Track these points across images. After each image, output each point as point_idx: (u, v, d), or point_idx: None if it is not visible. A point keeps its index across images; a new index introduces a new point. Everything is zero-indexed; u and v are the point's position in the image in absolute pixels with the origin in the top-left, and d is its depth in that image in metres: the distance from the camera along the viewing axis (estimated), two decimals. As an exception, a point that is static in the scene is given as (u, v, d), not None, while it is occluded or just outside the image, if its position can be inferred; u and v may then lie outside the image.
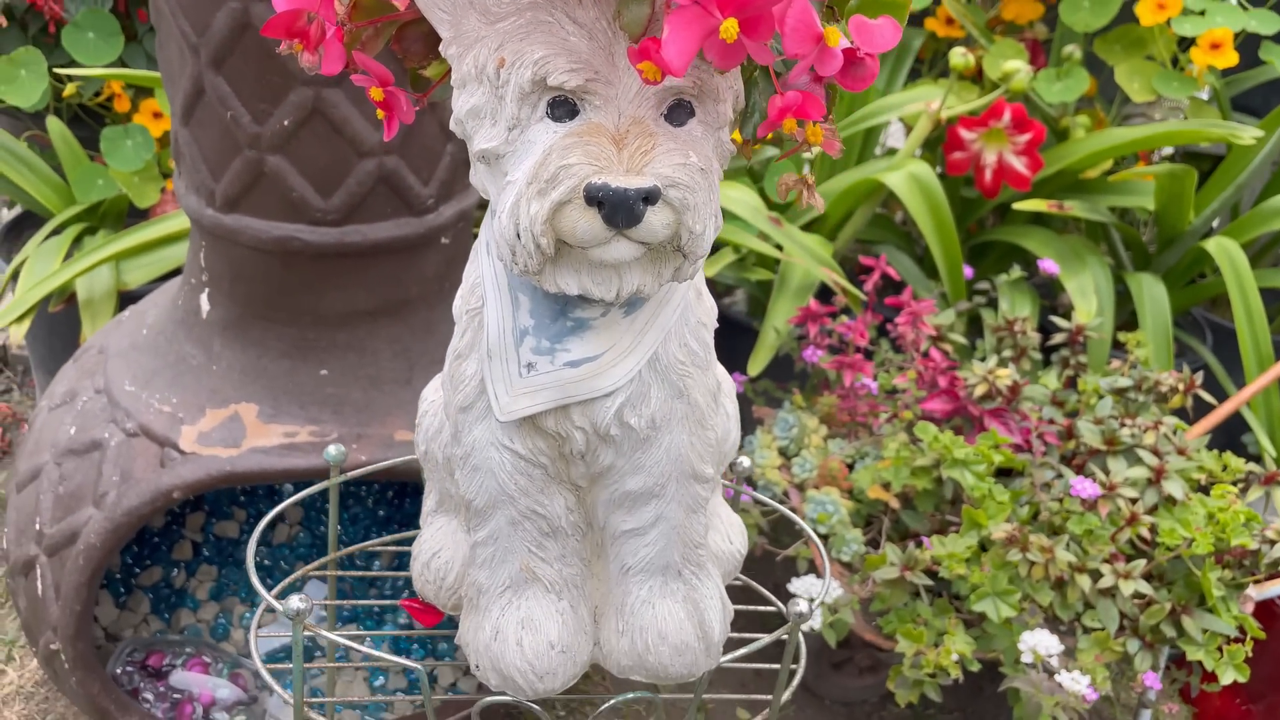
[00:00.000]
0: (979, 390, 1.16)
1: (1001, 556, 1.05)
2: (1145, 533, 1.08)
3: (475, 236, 0.58)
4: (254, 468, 0.94)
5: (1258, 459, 1.41)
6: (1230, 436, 1.51)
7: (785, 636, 0.64)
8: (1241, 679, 1.08)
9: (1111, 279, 1.41)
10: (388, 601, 0.75)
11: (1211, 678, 1.11)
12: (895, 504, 1.16)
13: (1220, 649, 1.07)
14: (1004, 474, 1.18)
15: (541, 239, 0.45)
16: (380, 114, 0.51)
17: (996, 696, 1.24)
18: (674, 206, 0.45)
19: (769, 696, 0.68)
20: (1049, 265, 1.30)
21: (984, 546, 1.09)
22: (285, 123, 0.86)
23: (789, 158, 1.22)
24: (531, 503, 0.56)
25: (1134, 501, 1.11)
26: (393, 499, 1.24)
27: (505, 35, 0.45)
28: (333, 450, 0.76)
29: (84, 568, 0.94)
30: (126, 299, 1.34)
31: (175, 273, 1.40)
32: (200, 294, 0.99)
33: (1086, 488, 1.09)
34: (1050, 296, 1.57)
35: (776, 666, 0.66)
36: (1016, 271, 1.33)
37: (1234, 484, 1.16)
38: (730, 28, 0.37)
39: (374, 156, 0.89)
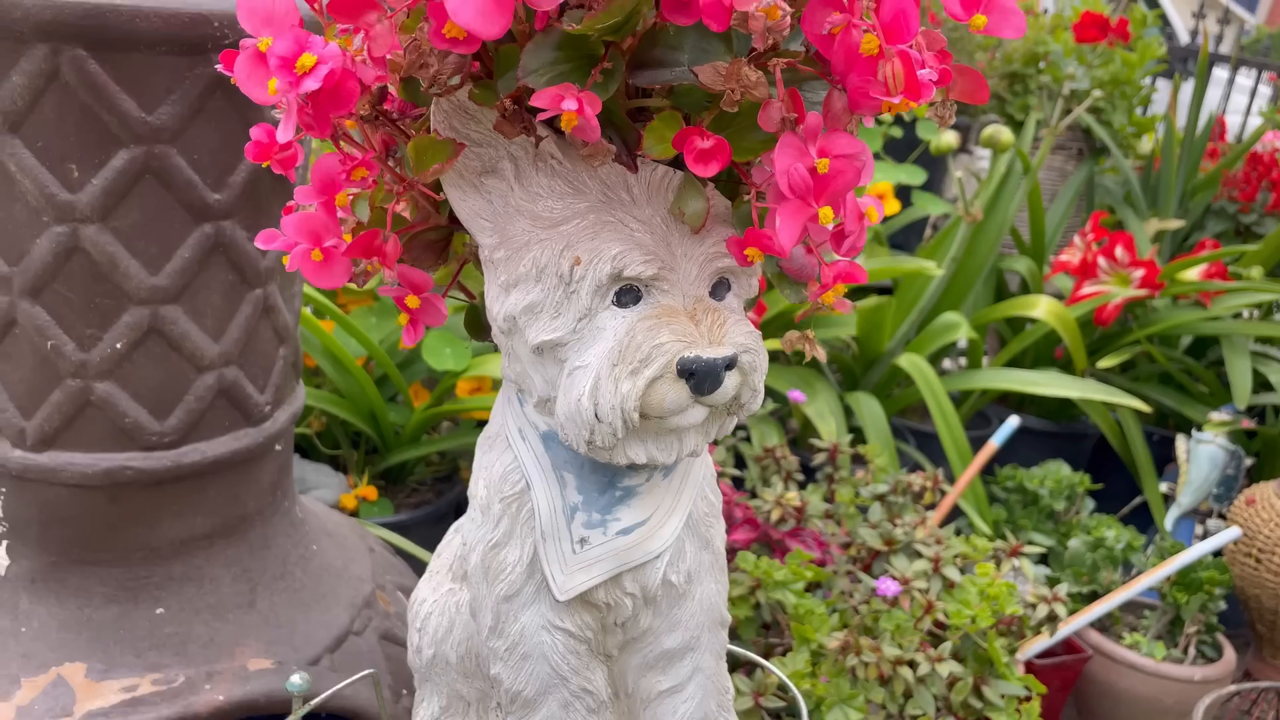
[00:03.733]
0: (775, 515, 1.27)
1: (841, 664, 1.13)
2: (941, 617, 1.22)
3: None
4: (96, 734, 0.82)
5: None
6: (947, 521, 1.73)
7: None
8: (1039, 731, 1.22)
9: (839, 400, 1.59)
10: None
11: (1014, 736, 1.25)
12: (723, 637, 1.22)
13: (1018, 710, 1.22)
14: (808, 588, 1.29)
15: (633, 414, 0.48)
16: (402, 319, 0.52)
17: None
18: (744, 370, 0.50)
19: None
20: (797, 395, 1.45)
21: (814, 659, 1.17)
22: (117, 345, 0.80)
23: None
24: (582, 681, 0.56)
25: (924, 591, 1.25)
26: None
27: (571, 236, 0.48)
28: (297, 679, 0.69)
29: None
30: None
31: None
32: (-5, 548, 0.87)
33: (890, 586, 1.21)
34: (782, 423, 1.73)
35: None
36: (769, 404, 1.47)
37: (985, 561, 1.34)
38: (827, 214, 0.43)
39: (214, 369, 0.85)
